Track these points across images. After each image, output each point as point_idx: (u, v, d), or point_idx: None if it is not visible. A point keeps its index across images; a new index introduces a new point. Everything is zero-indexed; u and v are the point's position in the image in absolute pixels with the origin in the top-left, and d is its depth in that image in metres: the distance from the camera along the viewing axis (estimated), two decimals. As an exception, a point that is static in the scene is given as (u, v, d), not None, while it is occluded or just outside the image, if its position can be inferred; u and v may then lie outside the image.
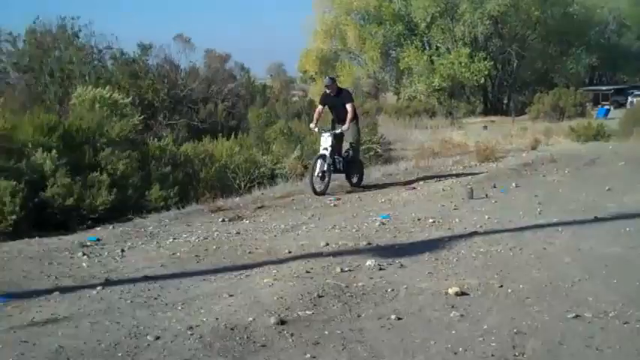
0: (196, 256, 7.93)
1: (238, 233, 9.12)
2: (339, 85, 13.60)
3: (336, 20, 48.85)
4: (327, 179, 12.51)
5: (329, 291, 6.18)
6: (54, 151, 12.01)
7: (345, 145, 13.21)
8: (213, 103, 24.95)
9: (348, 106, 12.63)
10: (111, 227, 10.37)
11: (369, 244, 8.22)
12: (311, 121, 13.93)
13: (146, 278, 6.93)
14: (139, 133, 15.65)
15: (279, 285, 6.37)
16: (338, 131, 12.67)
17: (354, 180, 13.26)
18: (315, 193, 12.12)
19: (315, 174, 12.37)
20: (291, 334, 5.14)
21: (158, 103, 22.12)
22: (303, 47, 52.24)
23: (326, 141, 12.63)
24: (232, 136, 19.40)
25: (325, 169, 12.42)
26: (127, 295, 6.28)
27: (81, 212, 11.45)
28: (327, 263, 7.20)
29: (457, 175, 14.33)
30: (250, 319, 5.40)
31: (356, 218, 9.92)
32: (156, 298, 6.16)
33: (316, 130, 13.26)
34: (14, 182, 10.61)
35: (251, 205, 11.52)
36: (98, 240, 9.11)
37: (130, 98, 16.73)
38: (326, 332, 5.19)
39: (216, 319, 5.41)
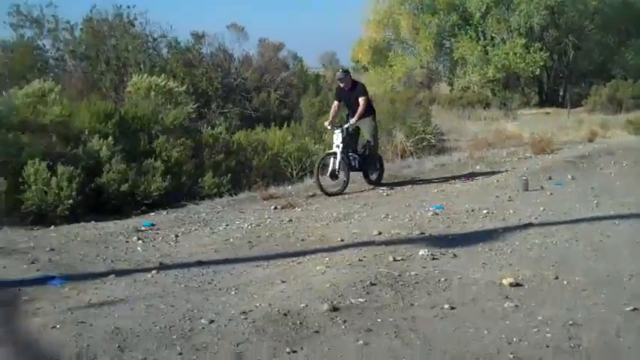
0: (249, 242, 7.99)
1: (290, 221, 9.15)
2: (352, 78, 12.60)
3: (390, 10, 48.49)
4: (342, 178, 11.78)
5: (381, 279, 6.15)
6: (110, 137, 12.20)
7: (362, 142, 12.45)
8: (266, 92, 25.00)
9: (361, 100, 11.83)
10: (164, 213, 10.49)
11: (422, 233, 8.16)
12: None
13: (200, 263, 7.00)
14: (193, 121, 15.79)
15: (331, 272, 6.37)
16: (346, 126, 11.88)
17: (373, 177, 12.44)
18: (326, 193, 11.39)
19: (327, 173, 11.77)
20: (344, 321, 5.13)
21: (212, 91, 22.25)
22: (355, 37, 52.06)
23: (337, 138, 11.84)
24: (285, 124, 19.44)
25: (337, 167, 11.68)
26: (181, 280, 6.35)
27: (135, 198, 11.62)
28: (380, 252, 7.17)
29: (512, 167, 14.12)
30: (303, 305, 5.41)
31: (409, 208, 9.85)
32: (209, 283, 6.22)
33: (329, 128, 12.52)
34: (71, 168, 10.82)
35: (303, 194, 11.54)
36: (152, 225, 9.23)
37: (185, 86, 16.86)
38: (378, 320, 5.17)
39: (269, 304, 5.43)
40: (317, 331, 4.95)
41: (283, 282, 6.09)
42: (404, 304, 5.56)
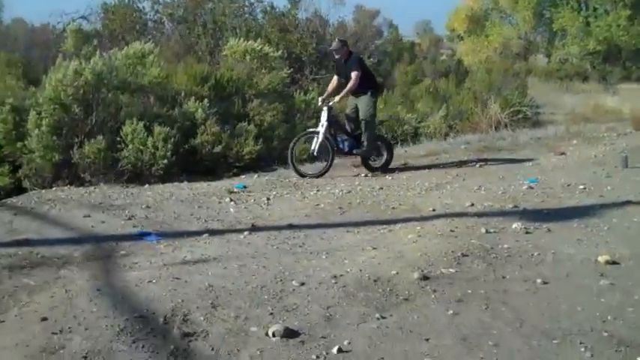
0: (340, 208, 8.00)
1: (381, 189, 9.11)
2: (349, 49, 11.11)
3: (489, -22, 47.61)
4: (324, 161, 10.78)
5: (473, 251, 6.06)
6: (205, 100, 12.40)
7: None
8: (360, 59, 24.91)
9: (353, 74, 10.45)
10: (256, 176, 10.63)
11: (516, 207, 7.99)
12: (460, 81, 12.96)
13: (291, 226, 7.06)
14: (286, 86, 15.86)
15: (422, 241, 6.32)
16: (331, 103, 10.66)
17: (376, 164, 11.05)
18: (300, 175, 10.40)
19: (308, 152, 10.92)
20: (434, 290, 5.09)
21: (305, 57, 22.27)
22: (451, 5, 51.35)
23: (323, 115, 10.68)
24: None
25: (317, 148, 10.60)
26: (272, 242, 6.42)
27: (228, 160, 11.83)
28: (472, 223, 7.07)
29: (610, 143, 13.67)
30: (393, 272, 5.39)
31: (502, 181, 9.66)
32: (300, 246, 6.27)
33: (320, 103, 11.03)
34: (167, 128, 11.07)
35: (394, 162, 11.45)
36: (244, 187, 9.35)
37: (280, 52, 16.94)
38: (469, 291, 5.10)
39: (360, 270, 5.43)
40: (407, 299, 4.93)
41: (374, 249, 6.08)
42: (495, 277, 5.47)
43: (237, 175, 11.21)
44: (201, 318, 4.48)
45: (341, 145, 10.84)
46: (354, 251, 6.03)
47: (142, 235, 6.79)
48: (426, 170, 10.86)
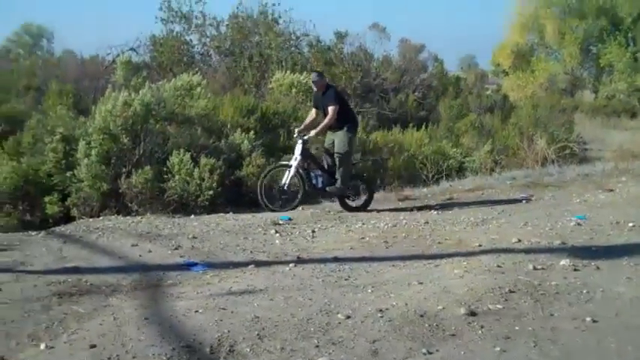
0: (385, 241, 7.97)
1: (427, 223, 9.07)
2: (327, 81, 10.86)
3: (535, 13, 47.28)
4: (292, 195, 10.42)
5: (521, 287, 5.98)
6: (251, 132, 12.50)
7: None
8: (405, 93, 24.97)
9: (330, 109, 10.11)
10: (300, 208, 10.63)
11: (564, 243, 7.88)
12: (505, 116, 12.65)
13: (336, 259, 7.06)
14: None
15: (469, 277, 6.26)
16: (306, 137, 10.30)
17: (353, 203, 10.75)
18: (270, 210, 10.16)
19: (278, 186, 10.43)
20: (481, 326, 5.02)
21: (350, 90, 22.38)
22: (497, 40, 51.20)
23: (297, 149, 10.38)
24: (422, 126, 19.36)
25: (288, 182, 10.29)
26: (318, 274, 6.42)
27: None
28: (519, 259, 6.98)
29: (662, 180, 13.42)
30: (440, 307, 5.34)
31: (549, 217, 9.54)
32: (346, 279, 6.25)
33: (295, 135, 10.64)
34: (213, 160, 11.16)
35: (439, 197, 11.43)
36: (290, 219, 9.38)
37: (325, 85, 17.05)
38: (516, 328, 5.03)
39: (406, 304, 5.40)
40: (454, 334, 4.88)
41: (420, 283, 6.03)
42: (543, 314, 5.38)
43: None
44: (248, 349, 4.49)
45: (314, 181, 10.53)
46: (400, 285, 6.00)
47: (188, 265, 6.85)
48: (472, 205, 10.77)
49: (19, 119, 15.92)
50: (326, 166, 10.57)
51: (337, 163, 10.31)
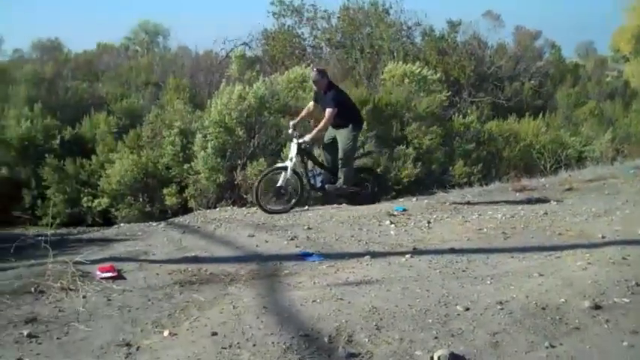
0: (503, 233, 7.79)
1: (546, 214, 8.79)
2: (329, 80, 10.09)
3: (658, -5, 45.29)
4: (289, 197, 9.88)
5: (648, 280, 5.73)
6: (364, 123, 12.46)
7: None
8: (520, 82, 24.39)
9: (327, 112, 9.60)
10: (414, 199, 10.56)
11: (693, 234, 7.50)
12: (627, 103, 12.03)
13: (453, 250, 6.94)
14: (444, 109, 15.75)
15: (592, 269, 6.03)
16: (301, 140, 9.71)
17: (359, 198, 10.23)
18: (264, 211, 9.59)
19: (275, 187, 9.83)
20: (606, 320, 4.83)
21: (464, 79, 22.03)
22: (616, 25, 49.19)
23: (292, 149, 9.81)
24: (538, 115, 18.89)
25: (284, 184, 9.74)
26: (435, 265, 6.33)
27: (386, 183, 11.80)
28: (646, 251, 6.68)
29: None
30: (562, 300, 5.16)
31: (679, 207, 9.09)
32: (464, 271, 6.14)
33: (290, 130, 10.08)
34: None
35: (558, 187, 11.07)
36: (404, 210, 9.30)
37: (438, 74, 16.85)
38: (645, 322, 4.82)
39: (527, 296, 5.24)
40: (577, 328, 4.71)
41: (541, 275, 5.85)
42: (673, 308, 5.13)
43: (395, 198, 11.20)
44: (366, 339, 4.47)
45: (312, 181, 10.12)
46: (520, 277, 5.84)
47: (304, 256, 6.89)
48: (592, 195, 10.38)
49: (138, 114, 16.54)
50: (325, 163, 10.19)
51: (341, 161, 9.90)
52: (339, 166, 9.93)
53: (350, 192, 10.12)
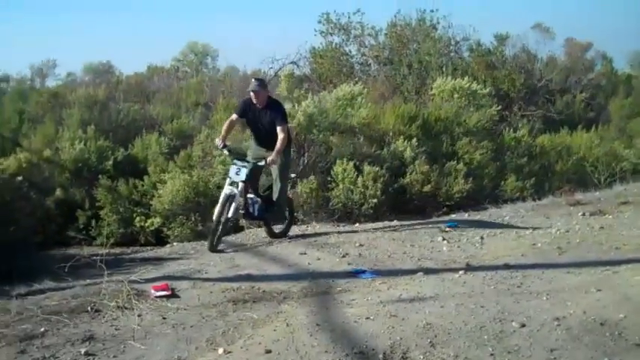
0: (558, 247, 7.66)
1: (602, 228, 8.63)
2: (269, 93, 8.97)
3: None
4: (225, 228, 8.49)
5: None
6: (414, 139, 12.44)
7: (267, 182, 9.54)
8: (571, 94, 24.07)
9: (280, 130, 8.41)
10: (466, 215, 10.50)
11: None
12: None
13: (507, 266, 6.85)
14: (495, 123, 15.60)
15: (653, 284, 5.90)
16: (261, 163, 8.47)
17: (277, 229, 9.18)
18: (211, 249, 8.32)
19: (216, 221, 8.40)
20: (669, 337, 4.71)
21: (513, 93, 21.82)
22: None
23: (238, 174, 8.36)
24: (590, 128, 18.61)
25: (229, 215, 8.34)
26: (489, 281, 6.25)
27: (437, 199, 11.76)
28: None
29: None
30: (621, 315, 5.04)
31: None
32: (519, 287, 6.04)
33: (224, 150, 8.90)
34: (376, 168, 11.21)
35: (613, 200, 10.88)
36: (456, 226, 9.23)
37: (488, 89, 16.71)
38: None
39: (584, 312, 5.14)
40: (638, 345, 4.59)
41: (598, 290, 5.73)
42: None
43: (447, 213, 11.11)
44: (421, 356, 4.43)
45: (251, 209, 8.75)
46: (577, 293, 5.72)
47: (356, 273, 6.88)
48: (650, 208, 10.16)
49: (188, 134, 16.72)
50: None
51: (278, 187, 8.80)
52: (276, 192, 8.81)
53: (277, 223, 9.16)
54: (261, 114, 8.58)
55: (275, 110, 8.60)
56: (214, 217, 8.35)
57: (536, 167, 14.20)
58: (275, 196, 8.83)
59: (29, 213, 9.06)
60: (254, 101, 8.53)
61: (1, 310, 5.76)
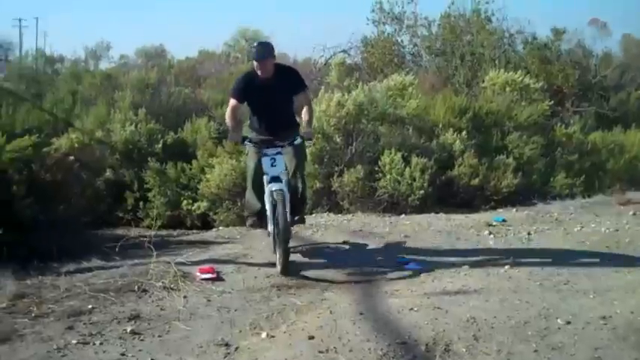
0: (606, 247, 7.55)
1: (653, 227, 8.49)
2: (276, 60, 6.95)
3: None
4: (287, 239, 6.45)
5: None
6: (464, 132, 12.33)
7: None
8: (626, 92, 23.60)
9: (305, 97, 7.04)
10: (514, 210, 10.41)
11: None
12: None
13: (554, 263, 6.75)
14: (547, 118, 15.38)
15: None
16: (298, 141, 6.78)
17: (296, 218, 7.23)
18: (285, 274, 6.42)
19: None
20: None
21: (567, 89, 21.47)
22: None
23: (274, 165, 6.60)
24: (645, 127, 18.23)
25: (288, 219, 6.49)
26: (535, 277, 6.19)
27: (484, 193, 11.64)
28: None
29: None
30: (671, 317, 4.97)
31: None
32: (565, 284, 5.97)
33: (245, 144, 7.12)
34: (424, 160, 11.13)
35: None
36: (504, 221, 9.17)
37: (540, 83, 16.48)
38: None
39: (632, 312, 5.07)
40: (686, 348, 4.52)
41: (647, 291, 5.66)
42: None
43: (494, 208, 10.99)
44: (463, 349, 4.42)
45: None
46: (625, 292, 5.64)
47: (401, 263, 6.86)
48: None
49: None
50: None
51: (298, 174, 7.16)
52: (301, 181, 7.22)
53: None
54: (270, 87, 6.74)
55: (290, 75, 7.01)
56: (271, 239, 6.86)
57: (586, 164, 13.95)
58: (300, 188, 7.19)
59: (80, 193, 9.19)
60: (259, 73, 6.72)
61: (51, 287, 5.90)
